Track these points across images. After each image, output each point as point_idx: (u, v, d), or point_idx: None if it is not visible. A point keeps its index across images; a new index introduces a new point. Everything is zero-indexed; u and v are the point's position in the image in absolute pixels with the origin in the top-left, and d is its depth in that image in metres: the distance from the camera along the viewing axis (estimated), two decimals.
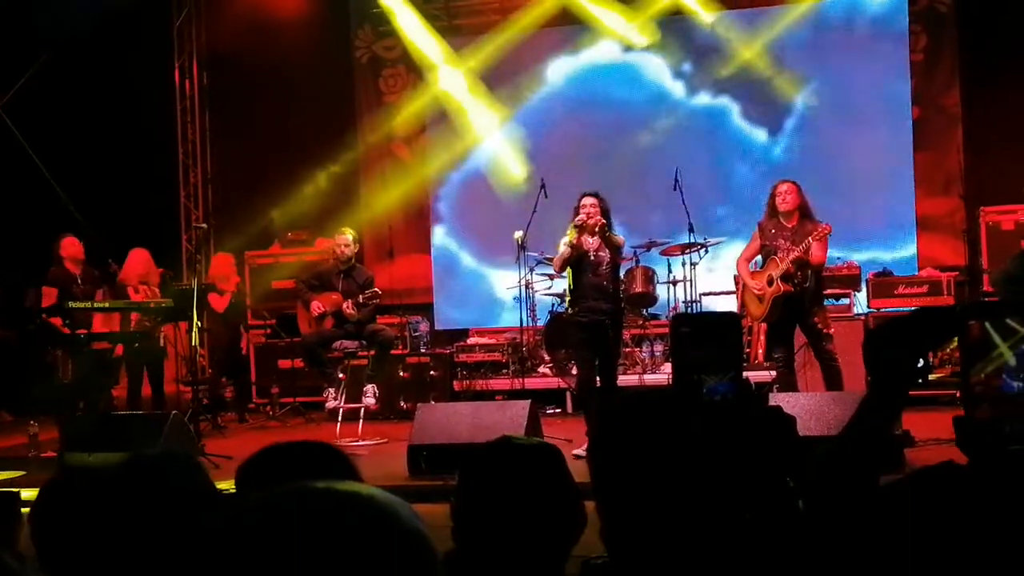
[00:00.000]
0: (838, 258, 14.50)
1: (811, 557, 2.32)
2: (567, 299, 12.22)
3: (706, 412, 2.34)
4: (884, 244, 16.46)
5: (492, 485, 2.90)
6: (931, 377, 2.32)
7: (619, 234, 11.60)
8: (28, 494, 4.74)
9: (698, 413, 2.35)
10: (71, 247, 13.64)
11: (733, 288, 14.89)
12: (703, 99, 17.48)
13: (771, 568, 2.36)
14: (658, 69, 17.58)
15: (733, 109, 17.36)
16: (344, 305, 13.01)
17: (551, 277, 14.97)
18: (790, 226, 11.48)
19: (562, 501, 2.89)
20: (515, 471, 2.90)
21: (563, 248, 11.42)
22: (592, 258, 11.27)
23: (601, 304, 11.25)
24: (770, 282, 11.37)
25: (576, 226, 11.28)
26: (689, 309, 14.70)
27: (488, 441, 3.08)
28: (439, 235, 18.60)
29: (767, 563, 2.36)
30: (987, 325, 1.88)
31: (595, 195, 11.46)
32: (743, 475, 2.40)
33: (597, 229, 11.21)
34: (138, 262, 14.19)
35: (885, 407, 2.36)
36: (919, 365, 2.31)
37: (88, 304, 13.04)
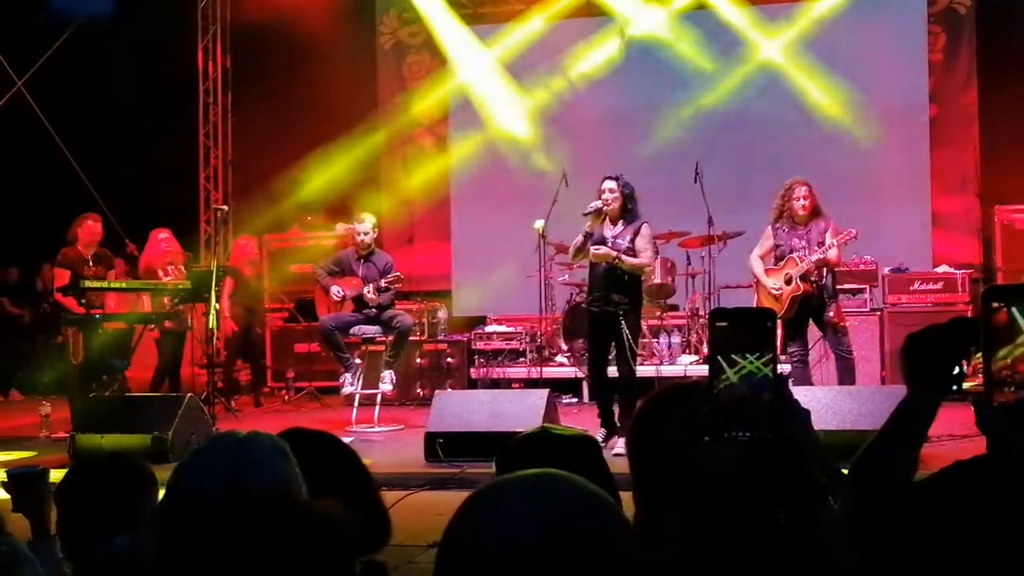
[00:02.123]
0: (854, 254, 14.50)
1: (844, 554, 2.37)
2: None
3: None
4: (899, 241, 16.47)
5: None
6: (965, 385, 2.37)
7: (643, 216, 11.15)
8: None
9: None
10: (90, 232, 13.42)
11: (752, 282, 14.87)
12: (724, 93, 17.42)
13: (801, 562, 2.40)
14: (683, 58, 17.48)
15: (754, 104, 17.32)
16: (365, 290, 12.97)
17: (569, 267, 14.93)
18: (804, 225, 11.51)
19: None
20: (554, 462, 2.93)
21: (578, 237, 11.13)
22: (609, 246, 10.90)
23: (614, 295, 10.91)
24: (788, 281, 11.37)
25: (593, 212, 10.96)
26: (708, 302, 14.74)
27: (525, 431, 3.11)
28: (461, 219, 18.61)
29: (797, 557, 2.40)
30: (1013, 310, 1.90)
31: (616, 179, 11.10)
32: (771, 468, 2.44)
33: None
34: (163, 243, 14.22)
35: (920, 414, 2.41)
36: (954, 373, 2.36)
37: (105, 284, 13.01)
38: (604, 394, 11.22)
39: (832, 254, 11.30)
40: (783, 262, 11.54)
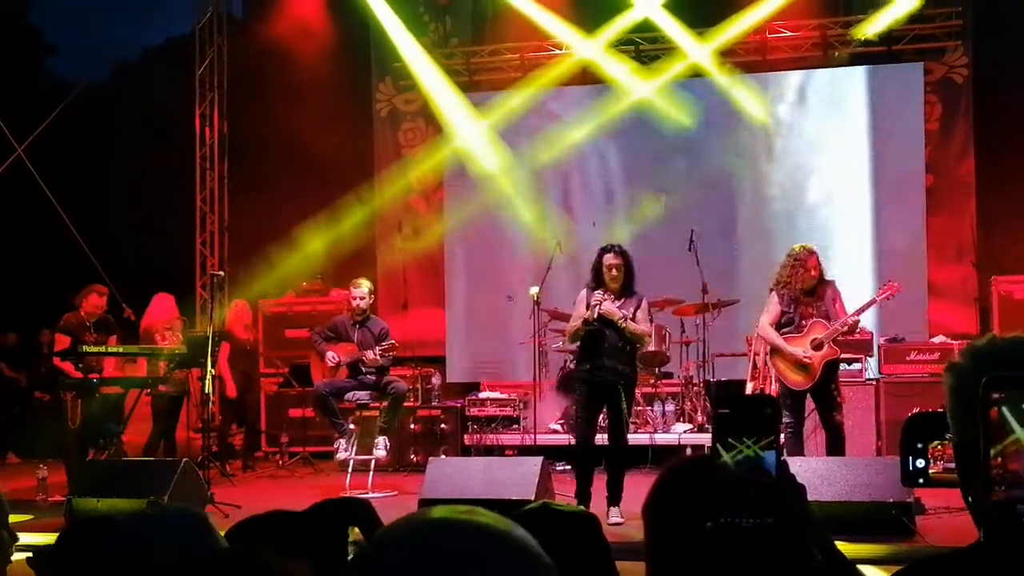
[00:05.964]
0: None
1: None
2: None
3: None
4: (896, 310, 16.45)
5: None
6: (930, 472, 2.39)
7: (639, 292, 10.88)
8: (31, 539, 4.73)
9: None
10: (93, 305, 13.40)
11: (746, 350, 14.79)
12: (720, 159, 17.44)
13: None
14: (678, 125, 17.45)
15: (750, 171, 17.36)
16: (366, 353, 13.05)
17: (563, 333, 14.82)
18: (812, 292, 11.41)
19: (600, 569, 2.92)
20: (554, 538, 2.92)
21: (576, 321, 10.79)
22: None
23: (617, 365, 10.62)
24: (818, 347, 11.17)
25: (595, 304, 10.54)
26: (702, 370, 14.73)
27: (525, 507, 3.10)
28: (455, 285, 18.58)
29: None
30: (1004, 408, 1.89)
31: (618, 250, 10.81)
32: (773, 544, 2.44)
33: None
34: (165, 308, 14.31)
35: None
36: (917, 467, 2.38)
37: (103, 348, 13.07)
38: (590, 463, 10.94)
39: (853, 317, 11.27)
40: (803, 329, 11.31)
